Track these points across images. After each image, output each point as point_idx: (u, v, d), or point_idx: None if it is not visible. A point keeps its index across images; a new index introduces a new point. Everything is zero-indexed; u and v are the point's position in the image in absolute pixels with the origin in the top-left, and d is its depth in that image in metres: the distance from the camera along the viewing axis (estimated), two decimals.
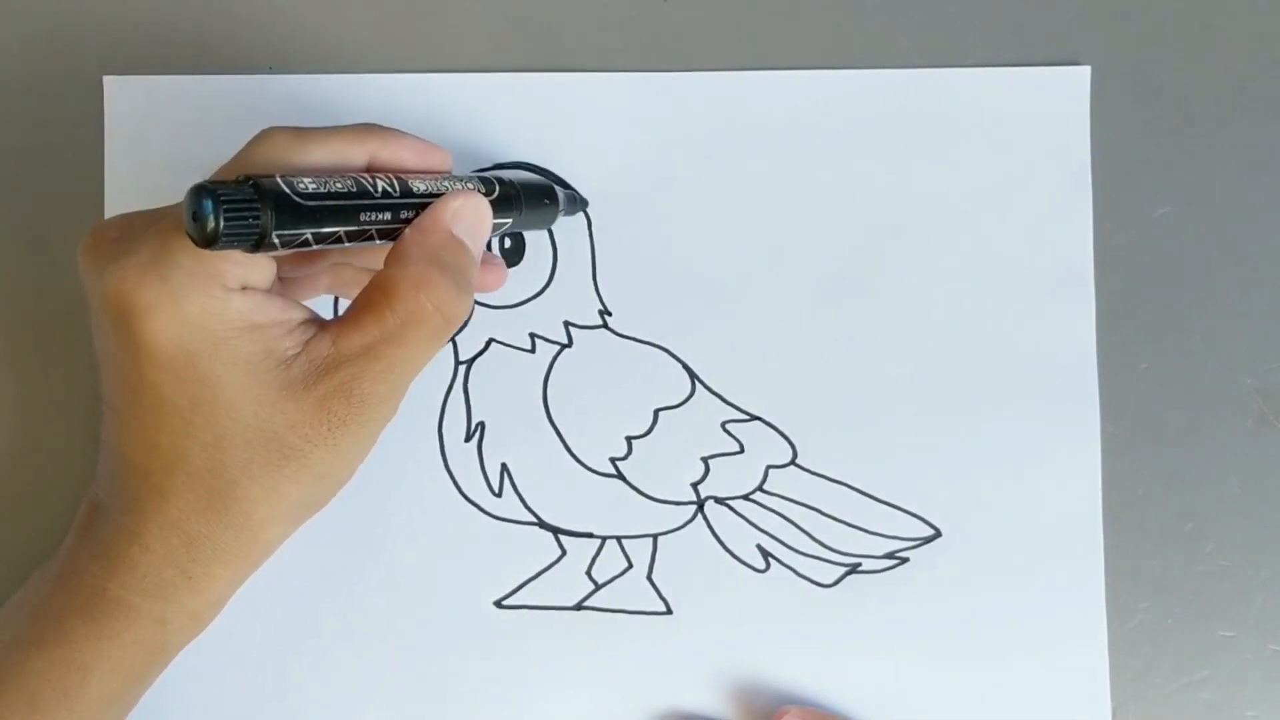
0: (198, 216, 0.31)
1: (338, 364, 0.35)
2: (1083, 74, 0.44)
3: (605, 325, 0.44)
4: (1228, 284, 0.44)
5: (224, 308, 0.34)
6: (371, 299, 0.35)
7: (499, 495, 0.44)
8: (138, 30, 0.45)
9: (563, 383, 0.44)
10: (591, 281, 0.44)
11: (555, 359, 0.44)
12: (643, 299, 0.44)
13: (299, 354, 0.35)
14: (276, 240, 0.32)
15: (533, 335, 0.44)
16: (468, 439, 0.44)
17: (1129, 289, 0.44)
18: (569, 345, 0.44)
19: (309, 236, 0.33)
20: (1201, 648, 0.43)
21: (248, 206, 0.31)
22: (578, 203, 0.44)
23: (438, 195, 0.37)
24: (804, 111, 0.44)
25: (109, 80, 0.45)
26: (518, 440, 0.44)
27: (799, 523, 0.44)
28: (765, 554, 0.44)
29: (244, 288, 0.34)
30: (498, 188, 0.39)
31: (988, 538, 0.43)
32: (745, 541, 0.44)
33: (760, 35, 0.45)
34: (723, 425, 0.44)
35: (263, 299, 0.35)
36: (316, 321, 0.36)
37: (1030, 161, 0.44)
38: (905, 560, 0.43)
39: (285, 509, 0.36)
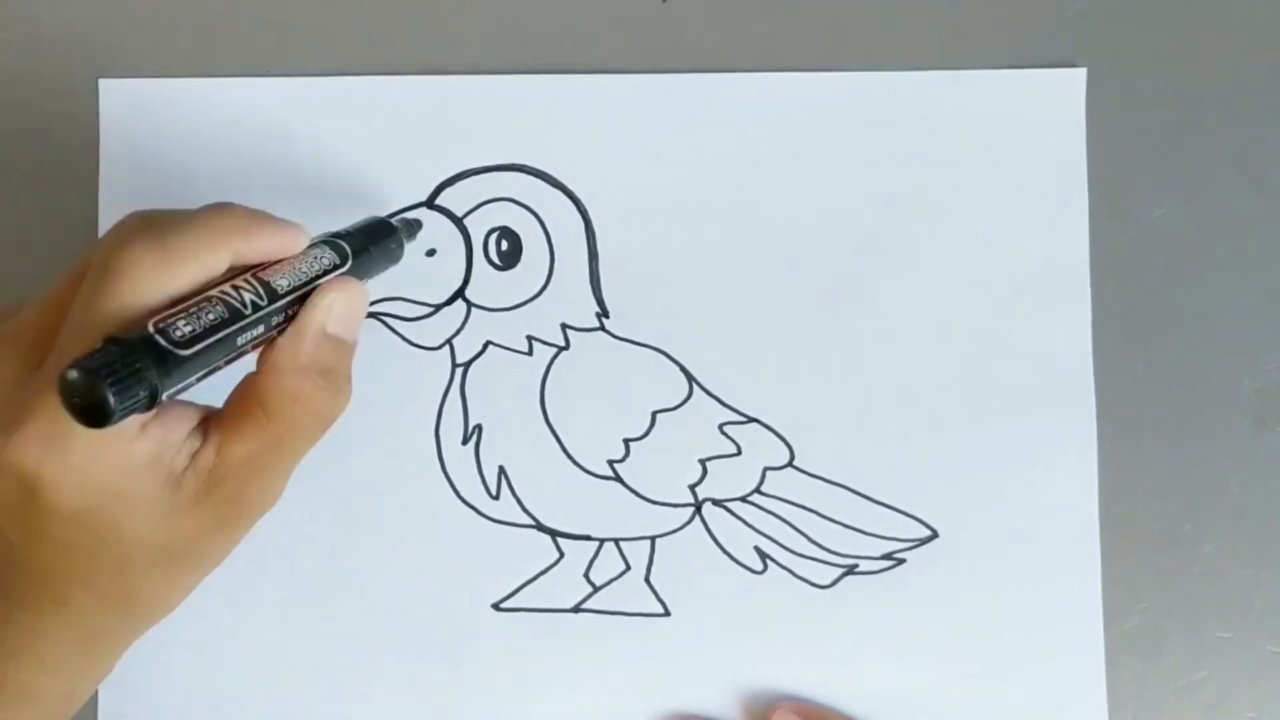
0: (90, 409, 0.29)
1: (224, 476, 0.34)
2: (1078, 76, 0.44)
3: (602, 327, 0.44)
4: (1224, 285, 0.44)
5: (128, 461, 0.33)
6: (249, 409, 0.35)
7: (496, 498, 0.44)
8: (133, 33, 0.45)
9: (560, 385, 0.44)
10: (588, 283, 0.44)
11: (552, 361, 0.44)
12: (640, 301, 0.44)
13: (187, 468, 0.34)
14: (166, 398, 0.31)
15: (530, 338, 0.44)
16: (465, 442, 0.44)
17: (1125, 290, 0.44)
18: (566, 348, 0.44)
19: (194, 380, 0.32)
20: (1199, 649, 0.43)
21: (134, 378, 0.30)
22: (413, 226, 0.43)
23: (303, 287, 0.36)
24: (800, 113, 0.44)
25: (104, 83, 0.45)
26: (515, 443, 0.44)
27: (796, 524, 0.44)
28: (763, 555, 0.44)
29: (142, 426, 0.34)
30: (348, 249, 0.38)
31: (984, 539, 0.43)
32: (743, 543, 0.44)
33: (757, 37, 0.45)
34: (720, 427, 0.44)
35: (159, 430, 0.34)
36: (200, 426, 0.35)
37: (1026, 163, 0.44)
38: (902, 561, 0.43)
39: (184, 594, 0.37)
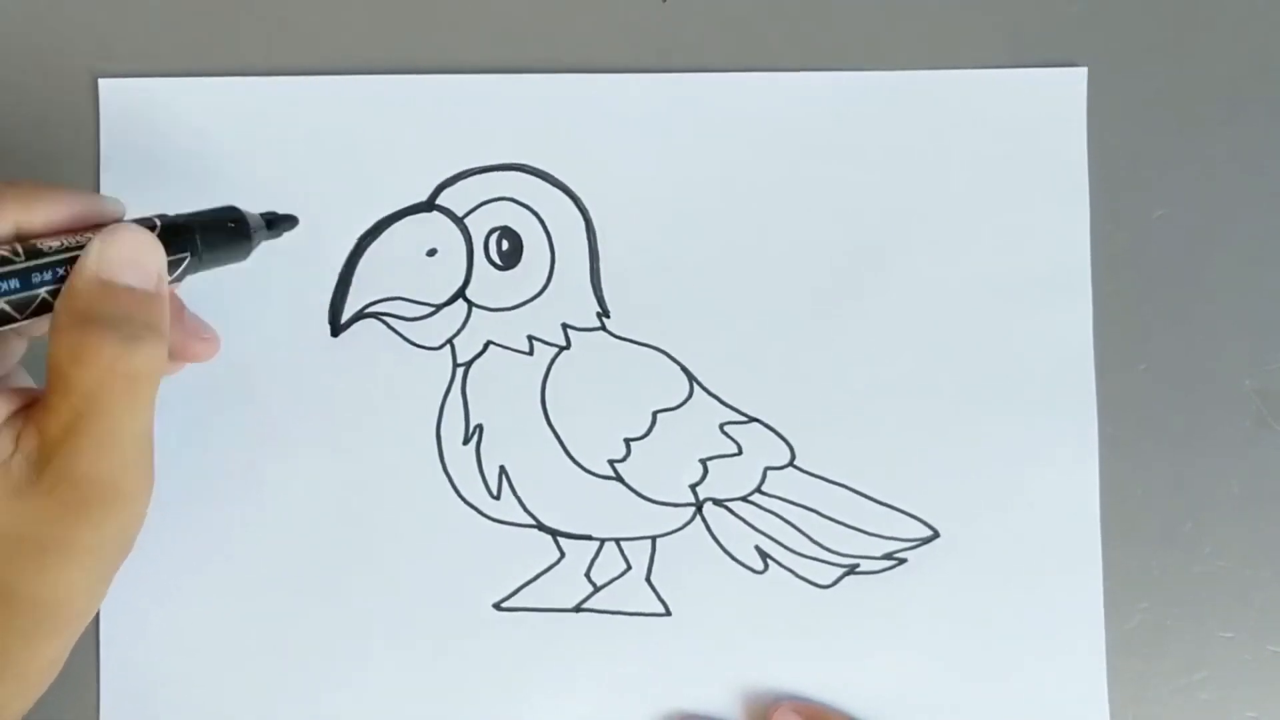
0: None
1: (49, 454, 0.32)
2: (1079, 75, 0.44)
3: (603, 327, 0.44)
4: (1225, 285, 0.44)
5: None
6: (50, 379, 0.32)
7: (497, 498, 0.44)
8: (133, 32, 0.45)
9: (561, 385, 0.44)
10: (589, 283, 0.44)
11: (553, 361, 0.44)
12: (641, 300, 0.44)
13: (14, 451, 0.33)
14: None
15: (530, 337, 0.44)
16: (466, 441, 0.44)
17: (1127, 290, 0.44)
18: (567, 347, 0.44)
19: None
20: (1200, 649, 0.43)
21: None
22: (283, 222, 0.40)
23: (79, 248, 0.33)
24: (801, 113, 0.44)
25: (104, 83, 0.44)
26: (516, 443, 0.44)
27: (797, 524, 0.44)
28: (763, 555, 0.44)
29: None
30: (158, 223, 0.35)
31: (986, 538, 0.43)
32: (744, 543, 0.44)
33: (757, 37, 0.45)
34: (721, 427, 0.44)
35: None
36: (25, 410, 0.33)
37: (1027, 163, 0.44)
38: (903, 561, 0.43)
39: (76, 585, 0.34)
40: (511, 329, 0.44)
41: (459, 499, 0.44)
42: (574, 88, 0.44)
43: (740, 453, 0.44)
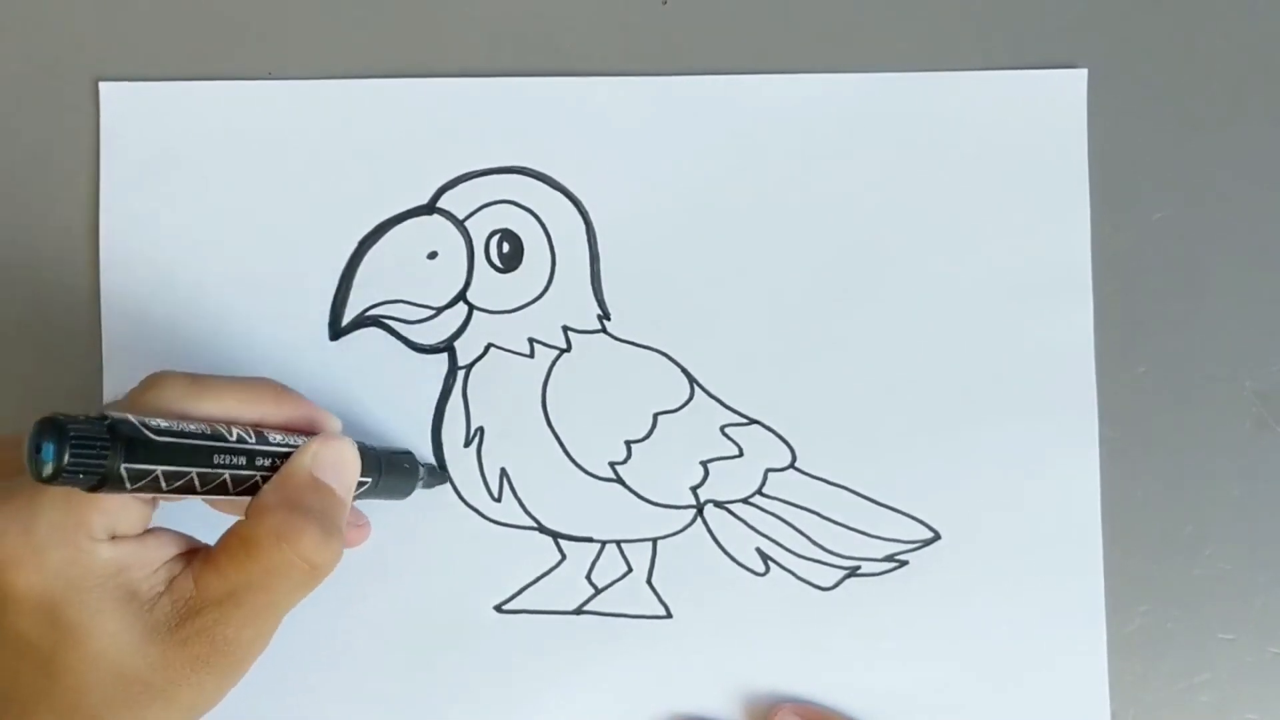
0: (40, 450, 0.30)
1: (200, 608, 0.34)
2: (1079, 76, 0.44)
3: (603, 329, 0.44)
4: (1226, 287, 0.44)
5: (90, 559, 0.33)
6: (232, 546, 0.34)
7: (498, 500, 0.44)
8: (134, 35, 0.45)
9: (561, 387, 0.44)
10: (590, 285, 0.44)
11: (554, 364, 0.44)
12: (641, 303, 0.44)
13: (163, 593, 0.34)
14: (124, 475, 0.31)
15: (531, 340, 0.44)
16: (467, 444, 0.44)
17: (1127, 292, 0.44)
18: (567, 350, 0.44)
19: (159, 475, 0.32)
20: (1201, 651, 0.43)
21: (95, 443, 0.30)
22: (437, 475, 0.44)
23: (294, 447, 0.36)
24: (802, 115, 0.44)
25: (105, 86, 0.45)
26: (517, 445, 0.44)
27: (798, 526, 0.44)
28: (765, 557, 0.44)
29: (113, 537, 0.34)
30: (357, 444, 0.38)
31: (987, 540, 0.43)
32: (745, 545, 0.44)
33: (758, 39, 0.45)
34: (722, 429, 0.44)
35: (133, 545, 0.34)
36: (184, 555, 0.35)
37: (1028, 165, 0.44)
38: (904, 563, 0.43)
39: None
40: (512, 331, 0.44)
41: (460, 501, 0.44)
42: (574, 91, 0.44)
43: (741, 454, 0.44)
